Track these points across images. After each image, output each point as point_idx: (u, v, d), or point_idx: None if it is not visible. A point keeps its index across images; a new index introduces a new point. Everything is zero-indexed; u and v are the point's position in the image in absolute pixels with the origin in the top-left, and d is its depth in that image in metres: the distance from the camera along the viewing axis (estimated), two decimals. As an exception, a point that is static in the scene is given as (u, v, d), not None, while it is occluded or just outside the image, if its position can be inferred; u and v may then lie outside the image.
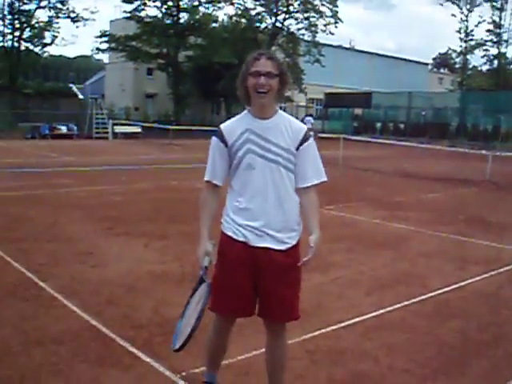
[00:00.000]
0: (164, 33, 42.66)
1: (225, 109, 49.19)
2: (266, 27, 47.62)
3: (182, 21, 44.32)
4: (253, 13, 46.78)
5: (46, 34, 43.79)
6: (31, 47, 44.08)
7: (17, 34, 41.89)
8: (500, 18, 52.02)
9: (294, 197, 3.26)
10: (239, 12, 47.18)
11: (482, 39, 54.03)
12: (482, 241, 8.71)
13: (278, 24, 46.67)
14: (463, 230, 9.51)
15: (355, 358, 4.36)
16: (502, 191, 14.90)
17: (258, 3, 46.06)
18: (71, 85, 50.46)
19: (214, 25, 46.99)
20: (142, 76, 50.43)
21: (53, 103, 40.61)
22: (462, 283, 6.42)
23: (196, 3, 44.45)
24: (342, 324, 5.04)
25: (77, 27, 55.42)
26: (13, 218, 9.37)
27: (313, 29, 46.61)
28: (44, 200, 11.43)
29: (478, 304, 5.80)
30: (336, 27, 47.24)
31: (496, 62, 54.72)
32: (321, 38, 47.54)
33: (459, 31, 54.75)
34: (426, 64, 77.34)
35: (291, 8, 46.42)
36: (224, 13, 49.86)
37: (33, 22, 42.50)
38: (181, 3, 43.60)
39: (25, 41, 42.80)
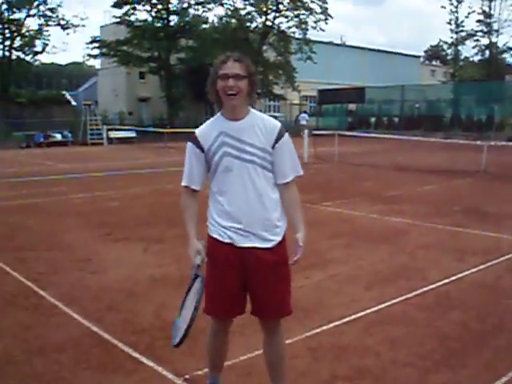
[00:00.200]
0: (155, 36, 42.60)
1: (218, 110, 49.03)
2: (257, 26, 47.59)
3: (172, 23, 44.28)
4: (243, 13, 46.78)
5: (37, 42, 43.77)
6: (22, 56, 44.00)
7: (7, 43, 41.85)
8: (490, 8, 52.01)
9: (273, 194, 3.29)
10: (229, 13, 47.17)
11: (472, 30, 54.02)
12: (479, 231, 8.73)
13: (268, 23, 46.64)
14: (460, 221, 9.53)
15: (357, 354, 4.36)
16: (497, 181, 14.93)
17: (247, 3, 46.04)
18: (64, 92, 50.35)
19: (204, 26, 46.91)
20: (135, 80, 50.32)
21: (46, 111, 40.60)
22: (462, 274, 6.43)
23: (186, 5, 44.43)
24: (343, 320, 5.05)
25: (67, 34, 55.67)
26: (10, 228, 9.37)
27: (303, 26, 46.58)
28: (41, 208, 11.42)
29: (478, 295, 5.81)
30: (326, 24, 47.31)
31: (487, 52, 54.77)
32: (312, 35, 47.57)
33: (449, 23, 54.76)
34: (418, 57, 77.41)
35: (281, 6, 46.37)
36: (214, 14, 50.02)
37: (23, 31, 42.42)
38: (170, 6, 43.57)
39: (16, 50, 42.69)
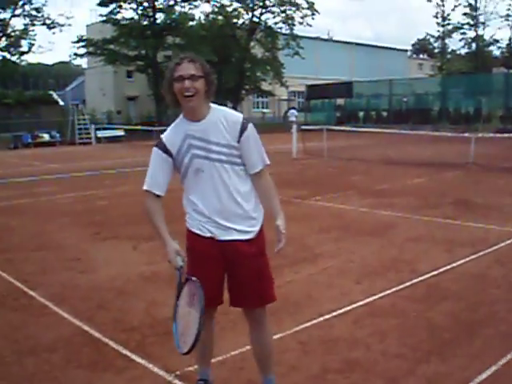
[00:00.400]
0: (141, 34, 42.37)
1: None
2: (244, 23, 47.57)
3: (158, 21, 44.03)
4: (229, 9, 46.72)
5: (23, 42, 43.52)
6: (8, 56, 43.69)
7: (-7, 44, 41.60)
8: (476, 1, 52.32)
9: (244, 187, 3.31)
10: (216, 9, 47.08)
11: (458, 23, 54.30)
12: (468, 222, 8.77)
13: (255, 19, 46.59)
14: (449, 213, 9.57)
15: (348, 347, 4.37)
16: (486, 172, 14.99)
17: (233, -1, 45.98)
18: (51, 92, 50.07)
19: (191, 23, 46.71)
20: (122, 79, 50.12)
21: (34, 111, 40.34)
22: (451, 265, 6.45)
23: (172, 3, 44.21)
24: (334, 313, 5.05)
25: (53, 34, 55.27)
26: (-1, 229, 9.33)
27: (290, 22, 46.60)
28: (29, 209, 11.38)
29: (468, 285, 5.84)
30: (313, 19, 47.36)
31: (474, 44, 55.01)
32: (299, 30, 47.64)
33: (436, 16, 55.02)
34: (405, 50, 77.63)
35: (267, 2, 46.34)
36: (200, 11, 49.85)
37: (8, 31, 42.13)
38: (156, 3, 43.29)
39: (1, 50, 42.43)
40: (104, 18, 42.84)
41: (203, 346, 3.55)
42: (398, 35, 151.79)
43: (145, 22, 43.72)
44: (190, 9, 45.59)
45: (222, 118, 3.25)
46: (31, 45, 43.73)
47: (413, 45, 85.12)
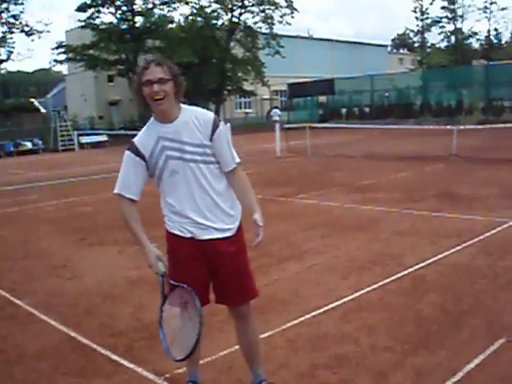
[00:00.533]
0: (121, 38, 42.20)
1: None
2: (223, 23, 47.50)
3: (137, 25, 43.90)
4: (208, 10, 46.61)
5: (1, 50, 43.17)
6: (-13, 65, 43.44)
7: (-29, 53, 41.26)
8: (453, -5, 52.70)
9: (220, 185, 3.32)
10: (194, 11, 46.94)
11: (437, 17, 54.72)
12: (453, 214, 8.82)
13: (234, 19, 46.52)
14: (434, 205, 9.62)
15: (336, 342, 4.38)
16: (468, 164, 15.07)
17: (212, 0, 45.90)
18: (32, 100, 49.73)
19: (170, 26, 46.61)
20: (103, 84, 49.88)
21: (15, 120, 39.99)
22: (437, 257, 6.49)
23: (150, 6, 44.11)
24: (321, 310, 5.07)
25: (32, 40, 54.87)
26: (-17, 239, 9.25)
27: (269, 21, 46.55)
28: (13, 218, 11.30)
29: (454, 276, 5.87)
30: (292, 17, 47.40)
31: (453, 38, 55.42)
32: (278, 29, 47.59)
33: (415, 10, 55.41)
34: (385, 46, 77.90)
35: (246, 2, 46.30)
36: (180, 13, 49.70)
37: (-14, 40, 41.85)
38: (135, 7, 43.22)
39: (-20, 59, 42.16)
40: (83, 24, 42.62)
41: None
42: (379, 31, 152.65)
43: (124, 26, 43.55)
44: (169, 11, 45.49)
45: (194, 117, 3.25)
46: (10, 53, 43.51)
47: (393, 40, 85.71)
